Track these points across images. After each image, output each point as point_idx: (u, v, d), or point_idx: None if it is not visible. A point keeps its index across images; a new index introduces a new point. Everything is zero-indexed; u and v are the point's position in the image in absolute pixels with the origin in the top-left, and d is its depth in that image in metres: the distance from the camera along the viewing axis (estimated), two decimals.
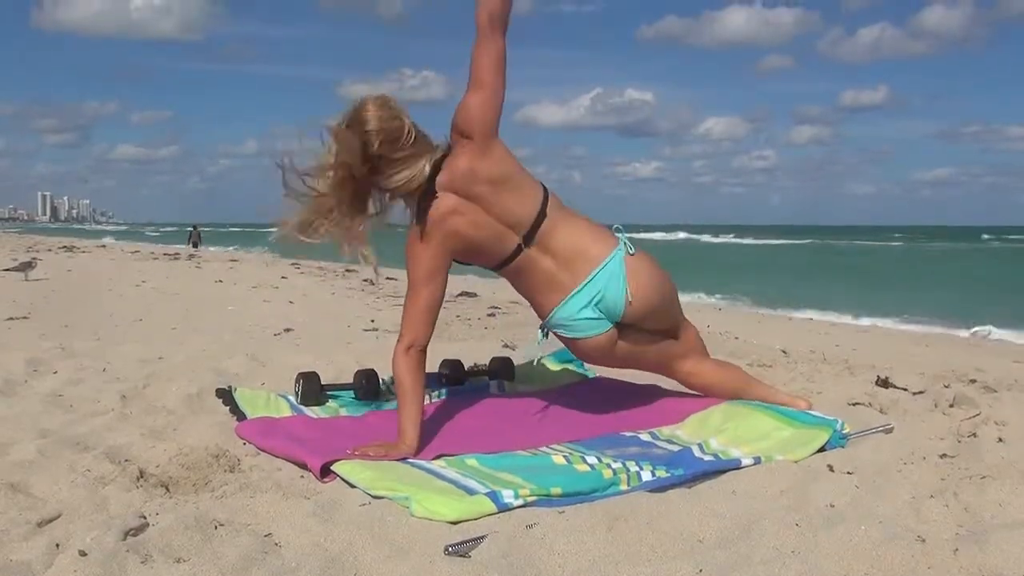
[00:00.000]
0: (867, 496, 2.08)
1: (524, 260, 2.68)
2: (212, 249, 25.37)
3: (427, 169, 2.58)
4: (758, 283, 17.64)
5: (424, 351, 2.59)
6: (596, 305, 2.67)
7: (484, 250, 2.67)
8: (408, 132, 2.56)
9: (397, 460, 2.42)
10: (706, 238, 66.13)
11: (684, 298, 3.36)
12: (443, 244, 2.60)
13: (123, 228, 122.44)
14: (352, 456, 2.40)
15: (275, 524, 1.98)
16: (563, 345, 2.89)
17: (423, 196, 2.59)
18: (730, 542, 1.84)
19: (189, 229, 29.78)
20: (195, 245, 25.62)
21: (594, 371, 3.52)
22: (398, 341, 2.59)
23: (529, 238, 2.66)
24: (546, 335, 2.84)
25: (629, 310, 2.69)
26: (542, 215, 2.67)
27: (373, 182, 2.60)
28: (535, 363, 3.67)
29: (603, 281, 2.66)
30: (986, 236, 70.34)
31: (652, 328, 2.81)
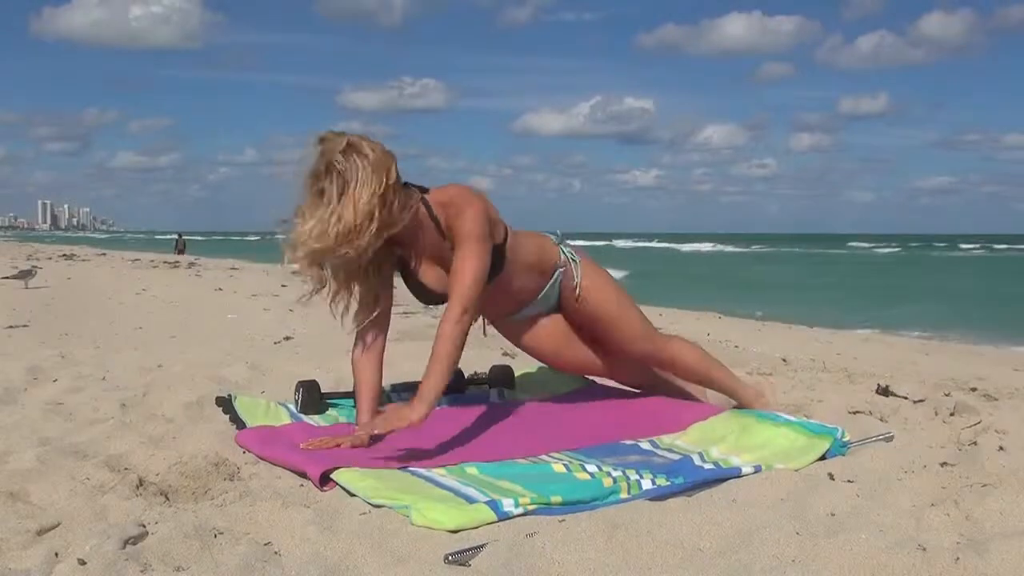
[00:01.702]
0: (868, 504, 2.08)
1: (512, 239, 2.78)
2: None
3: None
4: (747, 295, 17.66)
5: (471, 324, 2.65)
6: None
7: (497, 214, 2.74)
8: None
9: (404, 430, 2.48)
10: (687, 246, 66.35)
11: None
12: (489, 212, 2.67)
13: (104, 236, 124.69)
14: (358, 441, 2.56)
15: (275, 533, 1.98)
16: None
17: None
18: (730, 551, 1.83)
19: (174, 237, 31.58)
20: (180, 252, 26.71)
21: (593, 379, 3.52)
22: (449, 308, 2.58)
23: None
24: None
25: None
26: None
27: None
28: (535, 372, 3.67)
29: None
30: (964, 245, 70.75)
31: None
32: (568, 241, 3.03)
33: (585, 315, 2.98)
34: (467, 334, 2.61)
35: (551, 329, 3.03)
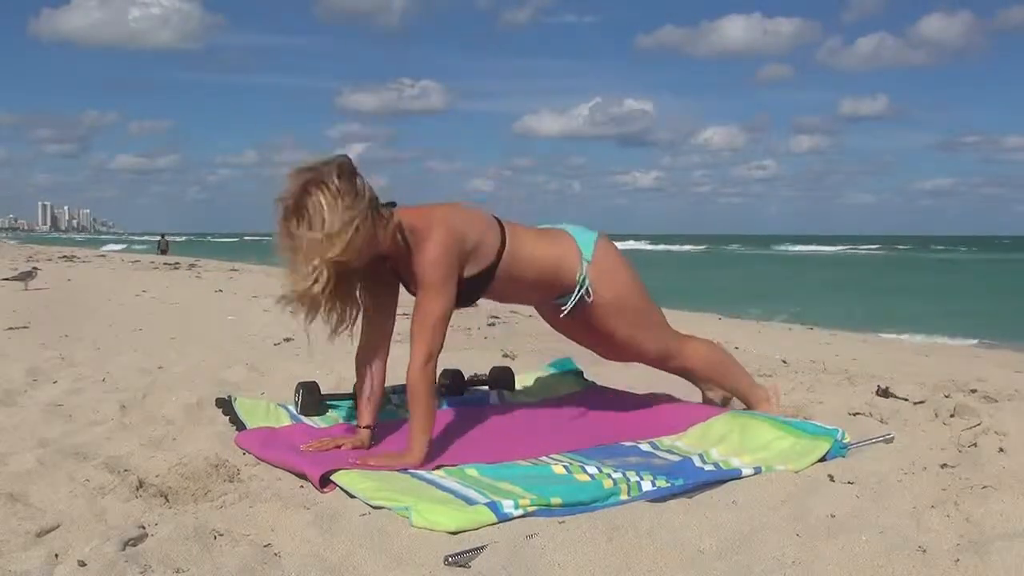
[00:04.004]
0: (868, 506, 2.08)
1: (512, 236, 2.71)
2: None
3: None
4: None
5: (436, 362, 2.59)
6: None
7: (482, 232, 2.66)
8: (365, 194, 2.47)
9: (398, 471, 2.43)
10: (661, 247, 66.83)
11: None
12: (453, 238, 2.56)
13: (82, 239, 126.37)
14: (354, 466, 2.40)
15: (275, 534, 1.98)
16: (560, 354, 2.89)
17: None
18: (730, 552, 1.83)
19: (158, 238, 33.67)
20: (163, 252, 28.08)
21: (593, 380, 3.52)
22: (413, 354, 2.54)
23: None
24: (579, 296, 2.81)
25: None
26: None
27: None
28: (535, 374, 3.67)
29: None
30: (936, 247, 71.64)
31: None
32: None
33: (595, 320, 2.90)
34: (435, 375, 2.58)
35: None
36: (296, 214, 2.42)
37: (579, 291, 2.80)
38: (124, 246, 48.38)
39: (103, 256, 23.47)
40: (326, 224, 2.39)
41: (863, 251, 62.96)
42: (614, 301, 2.85)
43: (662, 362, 3.05)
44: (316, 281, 2.43)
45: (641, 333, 2.94)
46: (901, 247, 73.83)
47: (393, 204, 2.59)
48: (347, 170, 2.45)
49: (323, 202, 2.39)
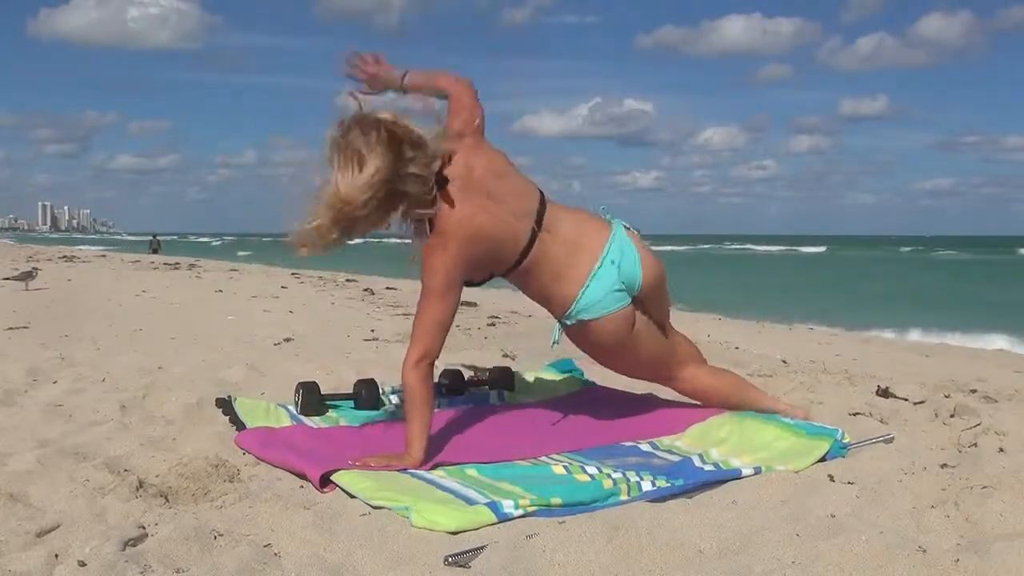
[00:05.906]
0: (868, 506, 2.08)
1: (540, 247, 2.65)
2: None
3: (435, 166, 2.52)
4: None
5: (433, 364, 2.58)
6: (618, 274, 2.69)
7: (503, 245, 2.62)
8: (421, 138, 2.50)
9: (399, 471, 2.43)
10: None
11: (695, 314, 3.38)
12: (462, 251, 2.54)
13: (80, 237, 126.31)
14: (353, 467, 2.40)
15: (275, 534, 1.98)
16: (560, 354, 2.89)
17: (432, 203, 2.54)
18: (730, 553, 1.83)
19: (149, 238, 34.37)
20: (155, 251, 28.76)
21: (593, 380, 3.52)
22: (408, 352, 2.55)
23: (539, 223, 2.67)
24: (562, 332, 2.79)
25: (644, 278, 2.72)
26: (543, 202, 2.70)
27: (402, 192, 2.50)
28: (535, 374, 3.67)
29: (617, 251, 2.70)
30: (904, 248, 72.44)
31: (653, 312, 2.83)
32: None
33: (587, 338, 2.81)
34: (431, 375, 2.57)
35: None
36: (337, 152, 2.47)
37: (554, 337, 2.83)
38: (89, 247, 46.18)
39: (103, 256, 23.45)
40: (340, 186, 2.42)
41: (841, 252, 63.48)
42: (596, 348, 2.83)
43: (654, 380, 3.06)
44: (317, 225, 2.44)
45: (634, 369, 2.96)
46: (883, 247, 74.73)
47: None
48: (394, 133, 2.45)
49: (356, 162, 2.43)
